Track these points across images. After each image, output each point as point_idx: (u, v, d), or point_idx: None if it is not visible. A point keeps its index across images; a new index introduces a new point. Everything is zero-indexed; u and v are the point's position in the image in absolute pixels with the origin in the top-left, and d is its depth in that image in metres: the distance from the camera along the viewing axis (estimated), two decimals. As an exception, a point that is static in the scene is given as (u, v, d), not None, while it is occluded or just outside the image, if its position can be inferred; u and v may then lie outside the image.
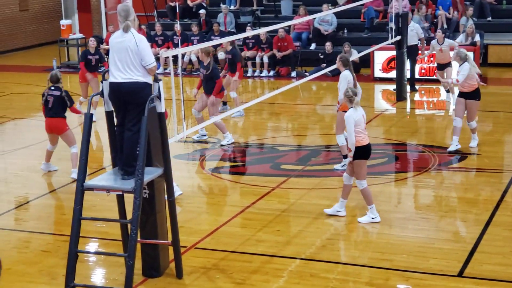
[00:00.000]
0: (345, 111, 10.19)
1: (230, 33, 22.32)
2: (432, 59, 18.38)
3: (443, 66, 16.01)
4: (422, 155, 12.96)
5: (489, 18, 21.44)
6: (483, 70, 19.20)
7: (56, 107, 11.87)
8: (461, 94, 12.64)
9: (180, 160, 12.85)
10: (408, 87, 17.53)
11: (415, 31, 17.48)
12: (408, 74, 17.58)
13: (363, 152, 9.71)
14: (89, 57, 15.68)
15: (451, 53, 13.73)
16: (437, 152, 12.91)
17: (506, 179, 11.26)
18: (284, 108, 17.02)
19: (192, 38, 22.11)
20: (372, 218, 9.83)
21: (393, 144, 13.67)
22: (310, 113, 16.40)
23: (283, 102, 17.39)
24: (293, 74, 20.88)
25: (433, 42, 16.51)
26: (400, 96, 17.23)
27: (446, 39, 16.55)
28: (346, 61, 11.86)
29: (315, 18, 21.61)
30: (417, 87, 18.01)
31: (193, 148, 13.71)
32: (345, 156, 11.82)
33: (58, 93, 11.85)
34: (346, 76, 11.73)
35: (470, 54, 17.66)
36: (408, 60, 17.45)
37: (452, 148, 12.71)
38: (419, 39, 17.58)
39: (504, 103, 16.14)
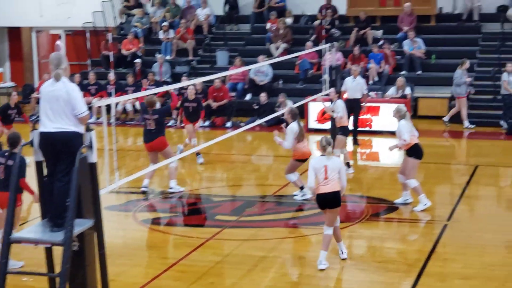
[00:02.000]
0: (298, 160, 10.45)
1: (166, 83, 22.32)
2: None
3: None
4: (356, 206, 13.05)
5: (419, 72, 21.95)
6: (413, 123, 19.51)
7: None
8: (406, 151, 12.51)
9: (112, 212, 12.65)
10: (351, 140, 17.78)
11: (360, 86, 17.70)
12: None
13: (317, 200, 9.82)
14: (9, 111, 15.55)
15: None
16: (371, 203, 13.01)
17: (438, 230, 11.39)
18: (219, 158, 16.99)
19: (126, 88, 22.01)
20: (324, 264, 9.86)
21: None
22: (245, 163, 16.40)
23: (219, 152, 17.37)
24: (229, 124, 20.93)
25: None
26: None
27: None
28: (295, 114, 12.15)
29: (250, 69, 21.80)
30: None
31: (126, 199, 13.53)
32: (302, 187, 12.66)
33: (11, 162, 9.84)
34: (293, 128, 12.04)
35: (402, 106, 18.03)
36: (353, 114, 17.62)
37: (418, 207, 12.42)
38: (362, 94, 17.75)
39: (434, 155, 16.42)
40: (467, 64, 19.91)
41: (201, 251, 10.73)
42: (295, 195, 13.13)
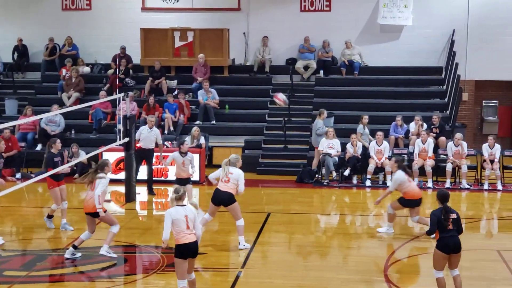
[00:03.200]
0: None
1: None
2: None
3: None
4: (152, 256, 13.02)
5: (213, 122, 22.46)
6: (209, 171, 19.89)
7: None
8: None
9: None
10: (143, 190, 17.78)
11: (155, 136, 17.81)
12: (139, 176, 17.86)
13: (181, 251, 9.73)
14: None
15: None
16: (166, 253, 13.03)
17: (232, 277, 11.61)
18: (8, 211, 16.31)
19: None
20: None
21: (122, 246, 13.57)
22: (37, 216, 15.85)
23: (8, 204, 16.69)
24: (18, 175, 20.20)
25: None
26: (129, 197, 17.30)
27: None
28: (102, 167, 12.30)
29: (41, 119, 21.27)
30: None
31: None
32: None
33: None
34: (106, 180, 12.33)
35: (196, 156, 18.34)
36: (146, 163, 17.74)
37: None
38: (158, 145, 17.90)
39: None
40: (325, 114, 20.63)
41: (-11, 309, 10.23)
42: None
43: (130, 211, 16.50)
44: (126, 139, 16.98)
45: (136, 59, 24.41)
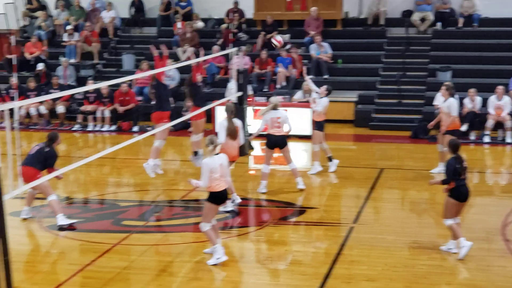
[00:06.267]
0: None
1: (70, 87, 21.95)
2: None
3: None
4: (264, 210, 13.14)
5: (326, 76, 22.29)
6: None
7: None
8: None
9: (17, 218, 12.34)
10: (256, 144, 17.95)
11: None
12: (250, 130, 17.92)
13: (214, 197, 10.04)
14: None
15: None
16: (278, 207, 13.12)
17: (343, 232, 11.58)
18: (125, 163, 16.80)
19: (28, 93, 21.51)
20: (217, 259, 10.09)
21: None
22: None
23: (125, 157, 17.18)
24: (135, 128, 20.73)
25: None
26: (241, 151, 17.44)
27: None
28: (229, 110, 12.31)
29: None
30: (257, 142, 18.34)
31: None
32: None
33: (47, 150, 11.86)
34: (222, 123, 12.51)
35: (308, 111, 18.26)
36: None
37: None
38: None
39: (341, 158, 16.68)
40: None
41: (107, 256, 10.59)
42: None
43: (243, 165, 16.66)
44: (239, 93, 17.09)
45: (249, 13, 24.43)
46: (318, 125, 15.38)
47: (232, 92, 17.50)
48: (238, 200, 12.91)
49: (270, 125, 13.67)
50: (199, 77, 15.21)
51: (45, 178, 10.78)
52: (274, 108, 13.71)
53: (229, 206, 12.62)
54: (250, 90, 17.90)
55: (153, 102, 14.43)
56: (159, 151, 14.76)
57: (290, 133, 14.01)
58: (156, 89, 14.72)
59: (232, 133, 12.53)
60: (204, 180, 9.95)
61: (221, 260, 10.11)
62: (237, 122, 12.76)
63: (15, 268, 9.23)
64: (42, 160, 11.76)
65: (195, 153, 15.56)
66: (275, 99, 14.06)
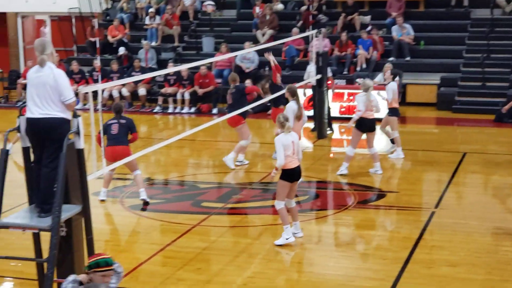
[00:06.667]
0: None
1: (151, 69, 22.24)
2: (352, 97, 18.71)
3: None
4: (343, 193, 13.06)
5: (408, 58, 21.95)
6: (402, 109, 19.55)
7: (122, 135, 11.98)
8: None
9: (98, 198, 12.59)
10: (335, 127, 17.85)
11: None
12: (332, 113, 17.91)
13: (287, 174, 10.02)
14: None
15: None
16: (357, 190, 13.03)
17: (425, 217, 11.41)
18: (205, 145, 16.94)
19: (111, 75, 21.89)
20: (286, 239, 10.12)
21: (314, 182, 13.72)
22: (231, 150, 16.33)
23: (204, 139, 17.32)
24: (214, 111, 20.87)
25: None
26: (320, 134, 17.39)
27: None
28: (294, 91, 12.23)
29: (236, 56, 21.72)
30: (336, 125, 18.22)
31: (113, 185, 13.46)
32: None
33: (124, 121, 12.07)
34: (292, 106, 12.16)
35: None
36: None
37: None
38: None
39: (422, 142, 16.45)
40: None
41: (188, 237, 10.71)
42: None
43: (322, 148, 16.59)
44: (318, 76, 17.00)
45: (329, -5, 24.23)
46: (392, 111, 15.12)
47: (311, 75, 17.40)
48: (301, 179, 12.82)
49: (364, 108, 13.49)
50: (279, 78, 15.11)
51: (136, 155, 10.99)
52: (368, 91, 13.53)
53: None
54: (329, 72, 17.70)
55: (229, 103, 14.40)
56: (244, 149, 14.79)
57: (376, 116, 13.87)
58: (236, 94, 14.47)
59: (299, 115, 12.47)
60: (280, 157, 9.93)
61: (289, 241, 10.13)
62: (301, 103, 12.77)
63: (98, 247, 9.41)
64: (126, 133, 12.04)
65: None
66: (369, 82, 13.84)
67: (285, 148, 9.98)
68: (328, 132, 17.67)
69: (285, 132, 10.10)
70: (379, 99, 14.05)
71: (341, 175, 13.78)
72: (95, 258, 6.18)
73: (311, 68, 17.51)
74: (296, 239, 10.28)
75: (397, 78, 19.31)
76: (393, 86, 15.06)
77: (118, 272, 6.31)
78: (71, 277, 6.13)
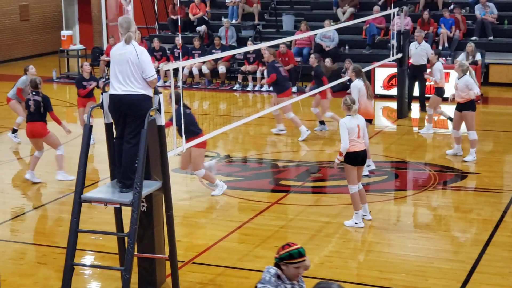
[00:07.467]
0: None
1: (231, 47, 22.31)
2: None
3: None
4: (422, 174, 12.91)
5: (491, 38, 21.44)
6: (484, 89, 19.20)
7: (37, 112, 12.28)
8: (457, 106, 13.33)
9: (179, 174, 12.77)
10: (412, 106, 17.64)
11: (425, 51, 17.31)
12: (413, 93, 17.64)
13: (351, 158, 9.97)
14: (84, 83, 14.91)
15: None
16: (437, 171, 12.85)
17: (506, 199, 11.19)
18: (284, 123, 16.93)
19: (193, 52, 22.09)
20: (356, 223, 10.13)
21: (393, 162, 13.61)
22: (310, 129, 16.30)
23: (283, 117, 17.29)
24: (294, 89, 20.84)
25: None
26: (400, 113, 17.19)
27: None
28: (359, 71, 12.13)
29: (316, 34, 21.61)
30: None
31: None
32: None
33: (38, 98, 12.30)
34: (357, 85, 12.10)
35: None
36: (417, 79, 17.41)
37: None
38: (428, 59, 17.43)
39: (505, 123, 16.09)
40: None
41: (265, 215, 10.78)
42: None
43: (402, 128, 16.40)
44: (399, 55, 16.78)
45: (412, -28, 23.82)
46: (438, 91, 15.17)
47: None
48: (373, 167, 12.70)
49: (460, 90, 13.09)
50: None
51: (208, 136, 11.06)
52: (465, 72, 13.09)
53: (364, 170, 12.40)
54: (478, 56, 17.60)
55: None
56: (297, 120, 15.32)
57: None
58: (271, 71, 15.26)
59: (369, 93, 12.30)
60: (344, 141, 9.86)
61: (359, 226, 10.09)
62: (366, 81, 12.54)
63: (177, 222, 9.58)
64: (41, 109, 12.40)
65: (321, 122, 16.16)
66: (465, 62, 13.57)
67: (349, 132, 9.89)
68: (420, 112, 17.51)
69: (351, 115, 10.00)
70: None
71: (459, 155, 13.56)
72: (288, 249, 5.39)
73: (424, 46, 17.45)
74: (365, 222, 10.22)
75: (461, 58, 18.93)
76: (439, 66, 15.17)
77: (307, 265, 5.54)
78: (273, 270, 5.44)
